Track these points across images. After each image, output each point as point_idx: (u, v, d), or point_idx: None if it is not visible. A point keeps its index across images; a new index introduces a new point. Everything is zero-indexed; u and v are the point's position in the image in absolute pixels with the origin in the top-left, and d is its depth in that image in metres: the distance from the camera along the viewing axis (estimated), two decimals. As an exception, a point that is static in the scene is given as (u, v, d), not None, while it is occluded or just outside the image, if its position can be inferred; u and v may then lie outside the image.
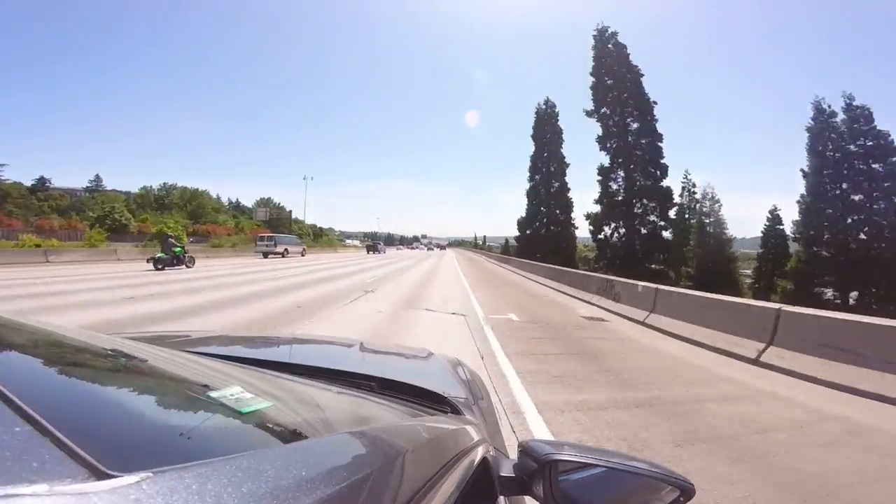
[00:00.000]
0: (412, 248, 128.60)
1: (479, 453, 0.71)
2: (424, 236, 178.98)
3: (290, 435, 0.60)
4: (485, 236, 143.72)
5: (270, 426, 0.62)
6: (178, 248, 17.12)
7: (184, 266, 16.99)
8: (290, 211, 75.74)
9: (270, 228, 50.38)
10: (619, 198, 31.68)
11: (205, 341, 1.45)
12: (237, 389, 0.73)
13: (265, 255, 29.68)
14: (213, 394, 0.69)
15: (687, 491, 0.65)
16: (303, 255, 33.54)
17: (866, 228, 25.94)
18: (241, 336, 1.68)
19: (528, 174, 43.14)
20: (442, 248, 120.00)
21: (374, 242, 74.86)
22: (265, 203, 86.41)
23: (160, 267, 15.75)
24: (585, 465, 0.65)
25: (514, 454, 0.76)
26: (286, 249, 31.01)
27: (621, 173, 31.94)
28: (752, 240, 41.87)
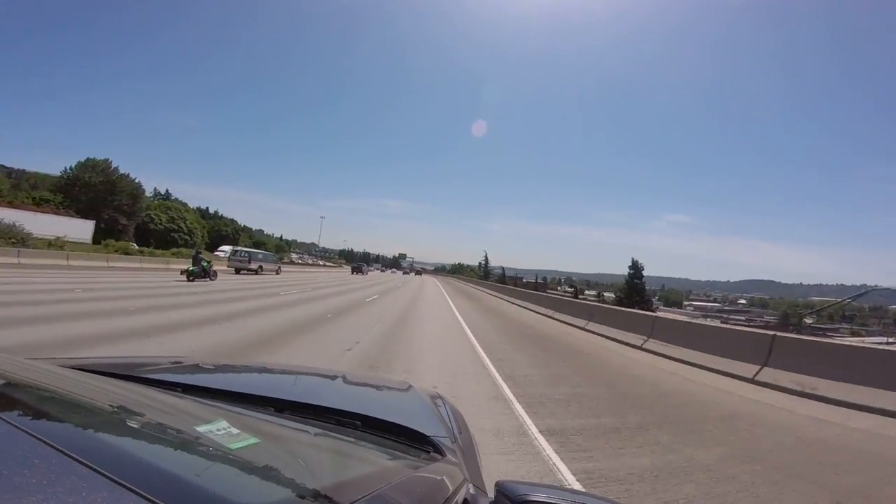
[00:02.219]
0: (382, 270, 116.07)
1: (461, 496, 0.74)
2: (403, 255, 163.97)
3: (273, 489, 0.61)
4: (487, 260, 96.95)
5: (251, 482, 0.62)
6: (206, 262, 19.41)
7: (208, 279, 19.20)
8: (234, 220, 75.63)
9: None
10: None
11: (174, 371, 1.40)
12: (219, 428, 0.73)
13: (237, 270, 28.86)
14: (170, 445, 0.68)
15: None
16: (277, 274, 32.85)
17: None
18: (215, 365, 1.64)
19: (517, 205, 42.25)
20: (418, 273, 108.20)
21: (359, 264, 75.34)
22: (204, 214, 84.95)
23: (191, 279, 18.11)
24: None
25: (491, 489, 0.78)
26: (261, 266, 30.27)
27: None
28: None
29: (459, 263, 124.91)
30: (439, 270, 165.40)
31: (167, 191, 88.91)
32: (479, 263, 63.32)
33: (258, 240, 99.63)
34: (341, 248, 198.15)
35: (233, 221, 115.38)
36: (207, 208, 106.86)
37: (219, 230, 77.87)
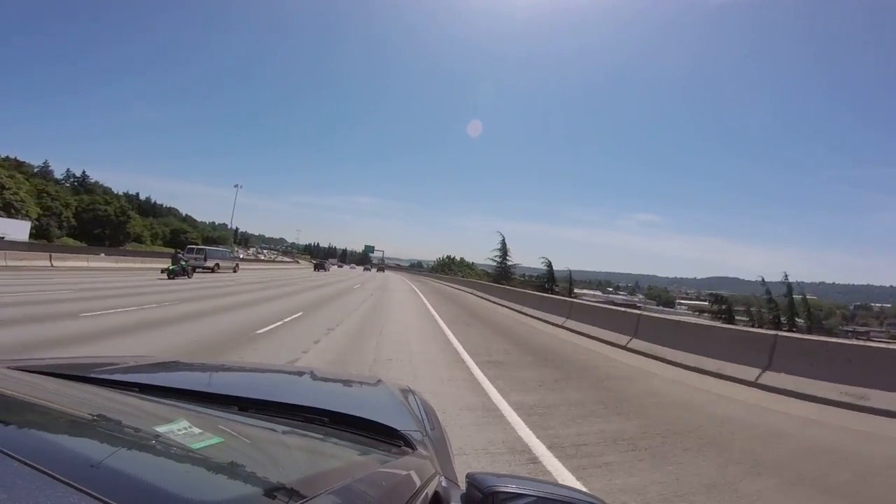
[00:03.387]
0: (339, 266, 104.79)
1: (432, 488, 0.74)
2: (370, 248, 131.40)
3: (237, 486, 0.60)
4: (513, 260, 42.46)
5: (214, 480, 0.61)
6: (185, 262, 20.70)
7: (186, 276, 20.28)
8: (172, 208, 74.04)
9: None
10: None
11: (130, 371, 1.33)
12: (182, 428, 0.71)
13: (193, 269, 27.65)
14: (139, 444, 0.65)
15: None
16: (234, 272, 31.65)
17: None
18: (175, 364, 1.57)
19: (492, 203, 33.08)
20: (381, 269, 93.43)
21: (321, 261, 72.02)
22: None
23: (172, 277, 19.17)
24: (523, 496, 0.71)
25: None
26: (217, 264, 29.04)
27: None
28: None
29: (449, 257, 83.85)
30: (415, 267, 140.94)
31: (84, 172, 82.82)
32: (496, 259, 35.88)
33: (207, 234, 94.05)
34: (307, 242, 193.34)
35: (170, 210, 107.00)
36: (149, 198, 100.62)
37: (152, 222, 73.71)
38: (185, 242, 48.98)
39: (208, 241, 75.69)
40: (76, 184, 77.65)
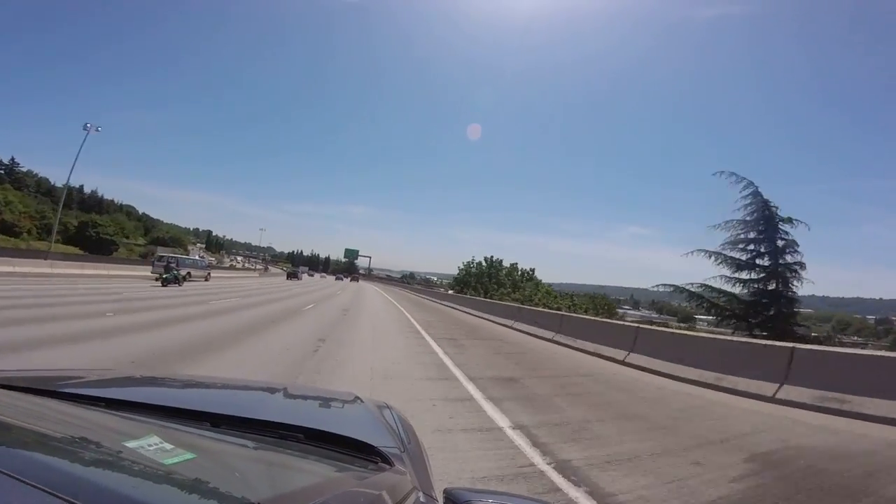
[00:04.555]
0: (311, 275, 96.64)
1: (409, 503, 0.74)
2: (353, 252, 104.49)
3: (209, 503, 0.59)
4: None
5: (186, 497, 0.60)
6: (176, 271, 22.37)
7: (177, 284, 21.73)
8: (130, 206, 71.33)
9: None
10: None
11: (96, 385, 1.28)
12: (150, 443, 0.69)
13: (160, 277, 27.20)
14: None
15: None
16: (206, 280, 30.81)
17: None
18: (144, 378, 1.52)
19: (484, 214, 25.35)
20: (354, 279, 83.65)
21: (295, 269, 70.63)
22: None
23: (166, 285, 20.47)
24: None
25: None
26: (189, 273, 28.33)
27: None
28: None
29: (490, 261, 45.92)
30: (406, 279, 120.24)
31: (13, 159, 76.95)
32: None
33: (159, 235, 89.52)
34: (290, 250, 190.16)
35: (123, 207, 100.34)
36: (95, 192, 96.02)
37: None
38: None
39: (157, 241, 72.93)
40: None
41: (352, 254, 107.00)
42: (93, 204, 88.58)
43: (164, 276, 21.41)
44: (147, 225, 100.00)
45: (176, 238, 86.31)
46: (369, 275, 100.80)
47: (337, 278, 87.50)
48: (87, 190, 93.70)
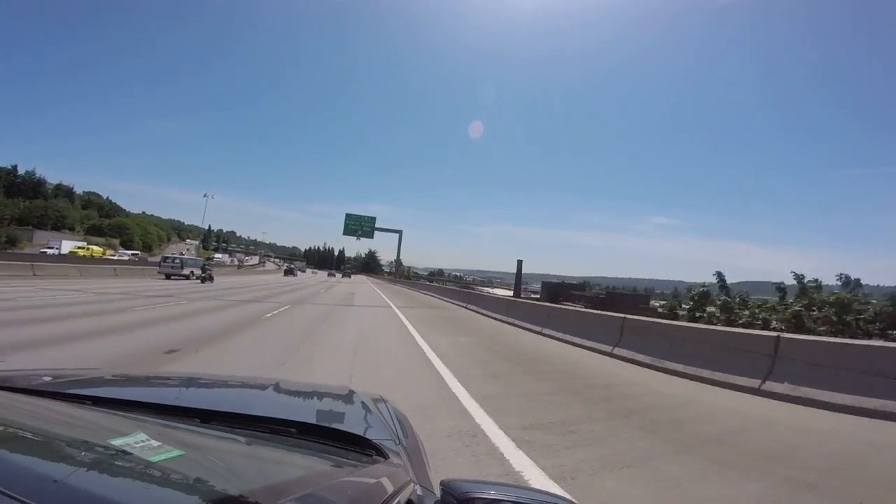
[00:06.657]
0: (315, 273, 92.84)
1: (405, 496, 0.73)
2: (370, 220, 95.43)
3: (197, 499, 0.58)
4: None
5: (173, 494, 0.59)
6: (209, 271, 27.02)
7: (210, 281, 26.34)
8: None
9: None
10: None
11: (82, 384, 1.27)
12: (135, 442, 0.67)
13: (168, 276, 28.06)
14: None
15: None
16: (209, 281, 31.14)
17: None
18: (130, 376, 1.51)
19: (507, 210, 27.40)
20: (346, 275, 79.87)
21: (291, 266, 71.77)
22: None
23: (203, 282, 24.61)
24: (498, 501, 0.71)
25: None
26: (192, 272, 28.84)
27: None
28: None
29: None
30: (435, 276, 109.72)
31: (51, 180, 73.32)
32: None
33: (146, 231, 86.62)
34: (307, 247, 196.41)
35: (88, 194, 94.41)
36: (108, 197, 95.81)
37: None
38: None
39: (96, 231, 71.16)
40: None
41: (368, 223, 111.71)
42: (26, 188, 73.20)
43: (202, 274, 26.87)
44: (110, 214, 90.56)
45: (145, 230, 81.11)
46: (348, 269, 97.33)
47: (329, 274, 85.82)
48: (39, 175, 77.75)
